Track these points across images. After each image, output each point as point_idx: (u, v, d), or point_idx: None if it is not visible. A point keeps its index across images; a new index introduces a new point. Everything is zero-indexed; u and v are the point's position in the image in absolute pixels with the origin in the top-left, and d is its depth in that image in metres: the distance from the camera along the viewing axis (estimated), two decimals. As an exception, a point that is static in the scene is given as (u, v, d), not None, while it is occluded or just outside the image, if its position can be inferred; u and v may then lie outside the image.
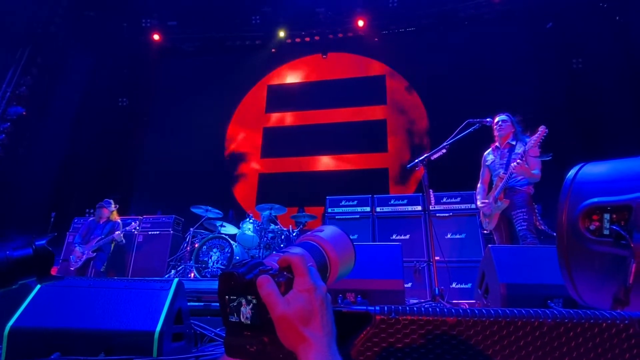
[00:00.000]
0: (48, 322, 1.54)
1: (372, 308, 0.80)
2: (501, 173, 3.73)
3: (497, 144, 3.97)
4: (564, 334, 0.73)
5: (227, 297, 0.59)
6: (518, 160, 3.52)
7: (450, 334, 0.76)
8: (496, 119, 3.92)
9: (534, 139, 3.50)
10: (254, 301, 0.56)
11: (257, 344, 0.57)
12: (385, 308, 0.80)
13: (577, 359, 0.72)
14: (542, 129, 3.51)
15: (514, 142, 3.80)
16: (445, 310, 0.79)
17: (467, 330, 0.76)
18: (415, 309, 0.80)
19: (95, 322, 1.56)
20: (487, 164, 4.04)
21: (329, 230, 0.84)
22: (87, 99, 8.91)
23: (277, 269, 0.59)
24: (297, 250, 0.74)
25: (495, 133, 3.94)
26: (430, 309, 0.79)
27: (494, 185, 3.84)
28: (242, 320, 0.57)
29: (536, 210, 3.70)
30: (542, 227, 4.10)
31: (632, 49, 7.02)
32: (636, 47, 6.95)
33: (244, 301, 0.57)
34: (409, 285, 4.53)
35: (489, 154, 4.05)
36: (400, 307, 0.80)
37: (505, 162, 3.76)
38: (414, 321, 0.77)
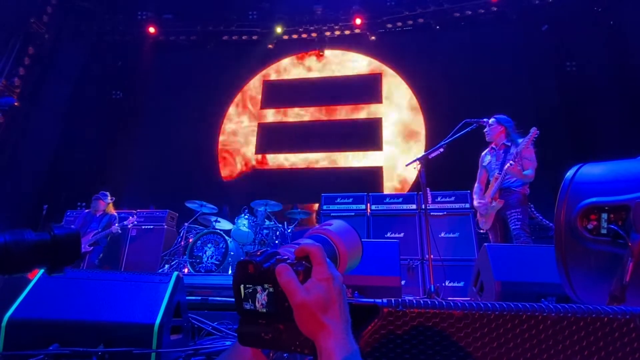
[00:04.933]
0: (47, 314, 1.54)
1: (380, 300, 0.82)
2: (496, 173, 3.81)
3: (493, 145, 4.06)
4: (566, 328, 0.75)
5: (242, 285, 0.59)
6: (511, 162, 3.59)
7: (456, 326, 0.78)
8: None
9: (525, 141, 3.59)
10: (271, 289, 0.57)
11: (272, 332, 0.58)
12: (393, 301, 0.81)
13: (579, 352, 0.74)
14: (533, 130, 3.60)
15: (508, 144, 3.89)
16: (452, 304, 0.80)
17: (473, 324, 0.78)
18: (422, 302, 0.81)
19: (94, 314, 1.56)
20: (484, 164, 4.12)
21: (337, 224, 0.85)
22: (81, 91, 8.79)
23: (294, 259, 0.60)
24: (309, 242, 0.76)
25: (487, 139, 4.05)
26: (437, 302, 0.81)
27: (489, 186, 3.92)
28: (258, 308, 0.58)
29: (531, 207, 3.76)
30: (536, 215, 4.17)
31: (625, 53, 7.12)
32: (629, 51, 7.06)
33: (259, 289, 0.58)
34: (403, 282, 4.57)
35: (486, 154, 4.13)
36: (407, 300, 0.81)
37: (500, 162, 3.84)
38: (421, 314, 0.79)
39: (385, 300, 0.82)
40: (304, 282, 0.56)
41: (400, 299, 0.81)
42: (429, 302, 0.81)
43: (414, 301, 0.81)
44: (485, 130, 3.99)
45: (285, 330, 0.57)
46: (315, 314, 0.54)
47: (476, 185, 4.17)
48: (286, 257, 0.60)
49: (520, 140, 3.73)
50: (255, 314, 0.59)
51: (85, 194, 6.15)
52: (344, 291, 0.59)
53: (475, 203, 4.07)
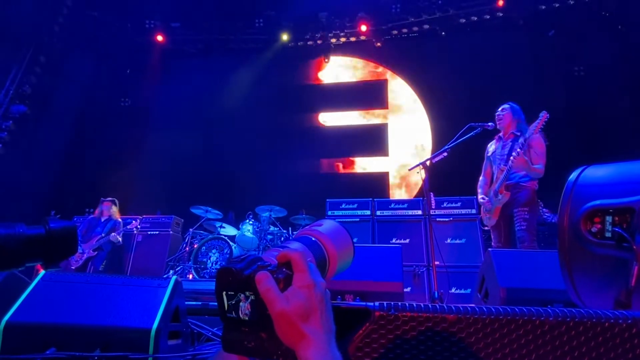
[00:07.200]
0: (44, 318, 1.53)
1: (372, 304, 0.79)
2: (502, 165, 3.57)
3: (500, 134, 3.83)
4: (565, 333, 0.72)
5: (224, 292, 0.58)
6: (518, 149, 3.34)
7: (449, 331, 0.75)
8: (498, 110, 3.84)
9: (534, 126, 3.36)
10: (252, 297, 0.55)
11: (255, 340, 0.56)
12: (385, 304, 0.79)
13: (578, 358, 0.71)
14: (543, 114, 3.37)
15: (518, 133, 3.63)
16: (446, 307, 0.78)
17: (467, 328, 0.75)
18: (415, 305, 0.79)
19: (91, 318, 1.55)
20: (488, 154, 3.92)
21: (327, 224, 0.83)
22: (90, 98, 8.93)
23: (276, 265, 0.59)
24: (295, 245, 0.74)
25: (498, 125, 3.80)
26: (430, 306, 0.78)
27: (495, 178, 3.71)
28: (240, 316, 0.56)
29: (540, 205, 3.58)
30: (546, 216, 3.99)
31: (633, 58, 7.03)
32: (637, 55, 6.97)
33: (242, 297, 0.56)
34: (408, 289, 4.50)
35: (491, 144, 3.93)
36: (399, 304, 0.79)
37: (506, 152, 3.60)
38: (414, 318, 0.77)
39: (377, 303, 0.80)
40: (284, 289, 0.55)
41: (392, 303, 0.79)
42: (422, 306, 0.78)
43: (407, 305, 0.79)
44: (498, 114, 3.76)
45: (267, 338, 0.55)
46: (295, 323, 0.52)
47: (481, 178, 3.97)
48: (268, 263, 0.58)
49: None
50: (238, 322, 0.57)
51: (93, 199, 6.18)
52: (327, 298, 0.57)
53: (479, 197, 3.87)
